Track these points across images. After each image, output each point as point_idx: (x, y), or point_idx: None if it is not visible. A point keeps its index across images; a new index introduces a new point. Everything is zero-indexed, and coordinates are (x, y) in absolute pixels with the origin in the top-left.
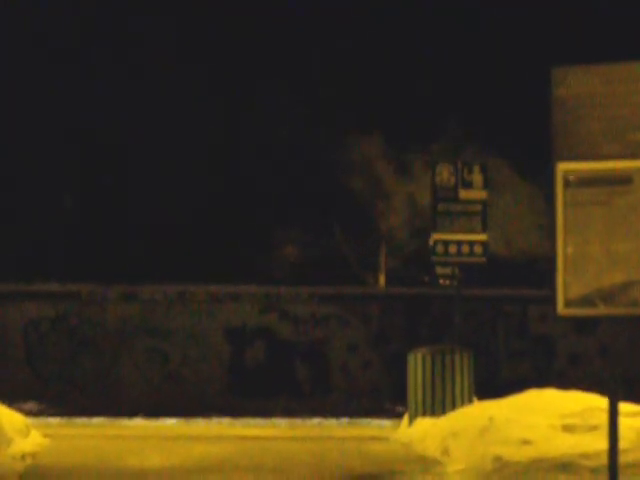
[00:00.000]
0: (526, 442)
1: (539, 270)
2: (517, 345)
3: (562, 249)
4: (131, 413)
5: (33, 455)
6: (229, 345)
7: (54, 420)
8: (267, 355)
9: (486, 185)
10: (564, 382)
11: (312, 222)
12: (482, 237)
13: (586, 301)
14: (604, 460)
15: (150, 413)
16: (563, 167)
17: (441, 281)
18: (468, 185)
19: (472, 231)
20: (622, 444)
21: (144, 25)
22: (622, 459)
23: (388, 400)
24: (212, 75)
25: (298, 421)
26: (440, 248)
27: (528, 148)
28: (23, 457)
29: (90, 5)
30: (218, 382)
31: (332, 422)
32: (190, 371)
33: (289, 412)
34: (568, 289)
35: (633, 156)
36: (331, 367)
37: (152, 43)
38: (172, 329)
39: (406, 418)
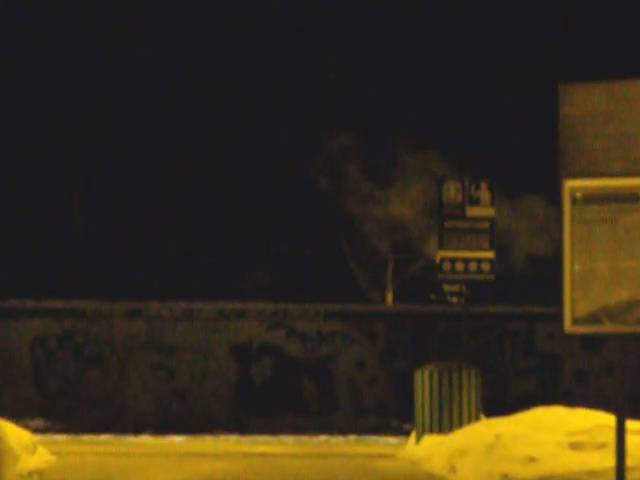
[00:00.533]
0: (533, 460)
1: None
2: (524, 363)
3: (569, 266)
4: (138, 430)
5: (40, 472)
6: (236, 362)
7: (61, 437)
8: (274, 372)
9: (493, 202)
10: (571, 400)
11: (319, 239)
12: (489, 254)
13: (592, 319)
14: (611, 478)
15: (157, 430)
16: (570, 184)
17: (448, 298)
18: (475, 202)
19: (479, 248)
20: (629, 462)
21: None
22: (629, 477)
23: (395, 418)
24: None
25: (305, 438)
26: (447, 265)
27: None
28: (30, 474)
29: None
30: (225, 399)
31: (339, 439)
32: (197, 388)
33: (296, 429)
34: (575, 307)
35: (639, 174)
36: (338, 384)
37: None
38: (179, 346)
39: (413, 435)
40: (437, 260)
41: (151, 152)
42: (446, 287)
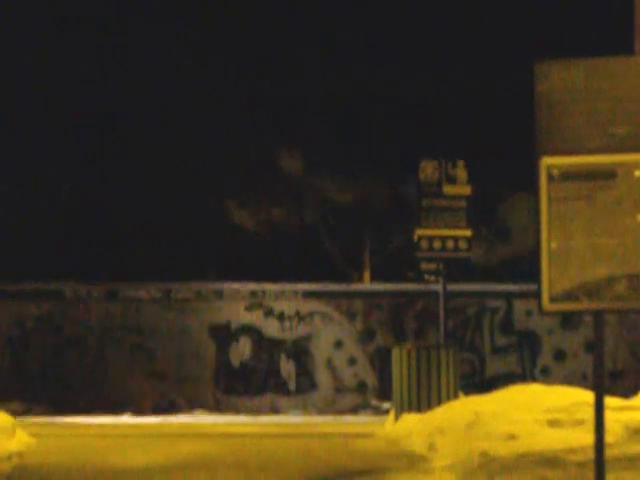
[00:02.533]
0: (512, 437)
1: None
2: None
3: (546, 244)
4: (117, 411)
5: (19, 455)
6: (214, 342)
7: (40, 419)
8: (252, 352)
9: (470, 180)
10: (549, 378)
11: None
12: (467, 232)
13: (570, 296)
14: (590, 455)
15: (135, 411)
16: (547, 162)
17: (426, 277)
18: (452, 180)
19: (457, 226)
20: (608, 438)
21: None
22: (608, 453)
23: (374, 397)
24: None
25: (283, 418)
26: (424, 244)
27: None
28: (9, 457)
29: None
30: (203, 379)
31: (318, 419)
32: (175, 369)
33: (275, 409)
34: (552, 284)
35: (617, 150)
36: (316, 364)
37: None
38: (157, 327)
39: (392, 414)
40: (415, 238)
41: (132, 137)
42: (424, 265)
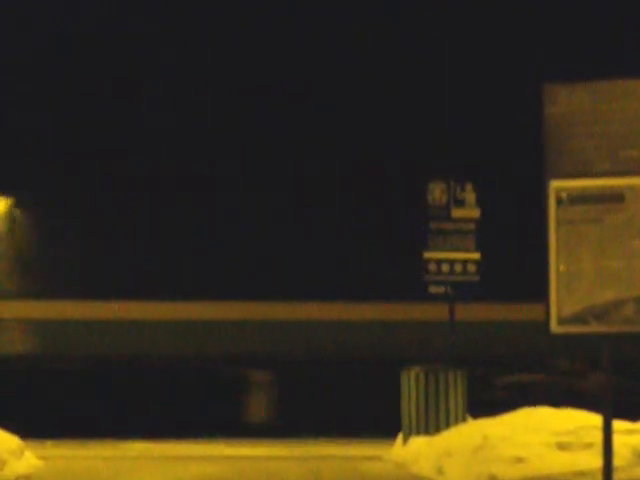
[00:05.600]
0: (520, 460)
1: None
2: None
3: (555, 267)
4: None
5: (27, 477)
6: None
7: (48, 441)
8: None
9: (478, 203)
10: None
11: None
12: (475, 256)
13: (578, 319)
14: (598, 478)
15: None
16: (555, 185)
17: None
18: (460, 204)
19: (465, 250)
20: (616, 462)
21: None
22: (616, 477)
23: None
24: None
25: (292, 440)
26: (433, 267)
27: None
28: (17, 479)
29: None
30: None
31: (326, 441)
32: None
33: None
34: (561, 307)
35: (625, 173)
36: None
37: None
38: None
39: (400, 437)
40: (424, 261)
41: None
42: (432, 288)
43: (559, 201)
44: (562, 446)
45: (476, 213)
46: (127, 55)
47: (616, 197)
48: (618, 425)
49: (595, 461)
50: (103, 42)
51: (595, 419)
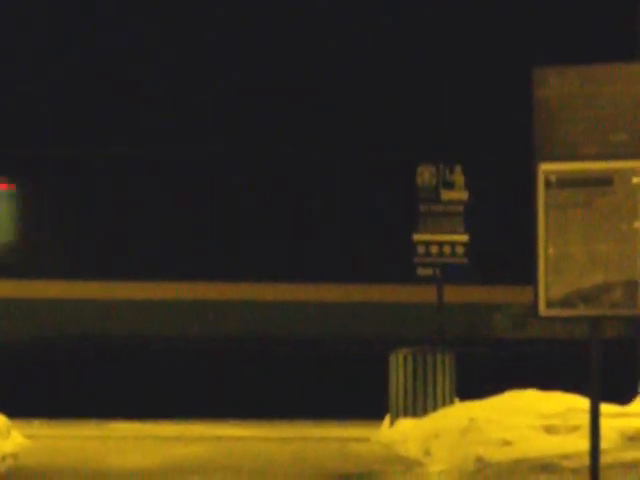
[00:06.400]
0: (507, 443)
1: None
2: None
3: (543, 250)
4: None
5: (14, 456)
6: None
7: (35, 420)
8: None
9: (467, 186)
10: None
11: None
12: (464, 238)
13: (567, 302)
14: (585, 461)
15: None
16: (544, 168)
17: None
18: (450, 186)
19: (454, 232)
20: (603, 445)
21: None
22: (603, 460)
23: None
24: None
25: (278, 421)
26: (421, 249)
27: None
28: (4, 458)
29: None
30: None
31: (312, 422)
32: None
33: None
34: (549, 290)
35: (614, 157)
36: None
37: None
38: None
39: (387, 419)
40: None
41: None
42: (421, 270)
43: (548, 184)
44: (549, 429)
45: (465, 195)
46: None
47: (605, 181)
48: (606, 408)
49: (582, 444)
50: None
51: (582, 402)
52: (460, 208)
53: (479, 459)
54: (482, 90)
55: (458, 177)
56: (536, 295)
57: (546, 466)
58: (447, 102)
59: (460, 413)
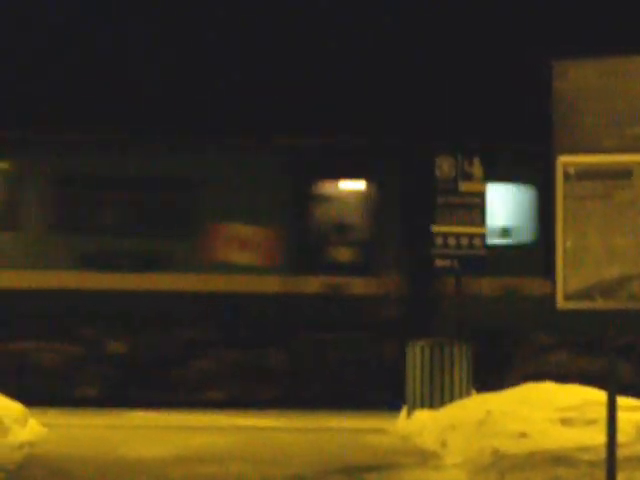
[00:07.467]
0: (524, 435)
1: None
2: None
3: (562, 242)
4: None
5: (31, 444)
6: None
7: (53, 409)
8: None
9: (486, 177)
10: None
11: None
12: (481, 230)
13: (585, 295)
14: (602, 454)
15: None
16: (563, 160)
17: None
18: (468, 177)
19: (472, 224)
20: (620, 438)
21: None
22: (620, 453)
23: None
24: None
25: (296, 412)
26: (439, 240)
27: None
28: (21, 446)
29: None
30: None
31: (330, 413)
32: None
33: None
34: (567, 283)
35: (633, 150)
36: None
37: None
38: None
39: (404, 410)
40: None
41: None
42: (438, 262)
43: (567, 176)
44: (566, 422)
45: (484, 187)
46: None
47: (624, 173)
48: (622, 402)
49: (599, 437)
50: None
51: (599, 395)
52: (478, 200)
53: (495, 451)
54: (500, 81)
55: (477, 169)
56: (554, 287)
57: (562, 459)
58: (464, 94)
59: (476, 405)
